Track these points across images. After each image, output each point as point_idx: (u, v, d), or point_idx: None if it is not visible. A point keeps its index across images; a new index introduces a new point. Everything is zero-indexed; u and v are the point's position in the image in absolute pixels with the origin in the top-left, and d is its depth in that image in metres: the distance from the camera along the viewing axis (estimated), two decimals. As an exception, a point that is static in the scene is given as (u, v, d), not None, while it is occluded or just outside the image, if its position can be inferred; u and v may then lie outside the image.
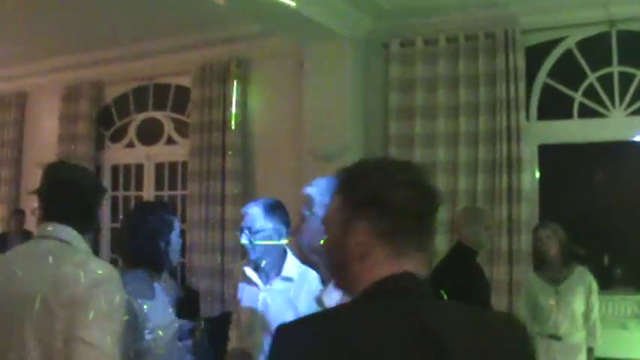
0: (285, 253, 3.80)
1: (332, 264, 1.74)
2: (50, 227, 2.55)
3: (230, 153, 7.51)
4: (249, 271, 3.86)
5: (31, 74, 9.13)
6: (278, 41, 7.25)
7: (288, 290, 3.73)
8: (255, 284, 3.83)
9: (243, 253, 7.28)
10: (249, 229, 3.75)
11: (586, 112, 6.36)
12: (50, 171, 2.71)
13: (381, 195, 1.61)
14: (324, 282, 2.44)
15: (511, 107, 6.23)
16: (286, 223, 3.79)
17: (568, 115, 6.43)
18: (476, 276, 4.90)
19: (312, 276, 3.61)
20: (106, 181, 8.83)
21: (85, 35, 7.80)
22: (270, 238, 3.74)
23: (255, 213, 3.80)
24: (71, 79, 8.86)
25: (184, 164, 8.10)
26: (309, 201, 2.46)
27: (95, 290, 2.33)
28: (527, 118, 6.40)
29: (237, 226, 7.16)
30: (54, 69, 8.85)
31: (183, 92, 8.32)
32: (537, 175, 6.48)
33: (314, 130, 6.85)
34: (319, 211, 2.46)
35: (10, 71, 9.21)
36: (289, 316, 3.55)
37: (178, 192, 8.34)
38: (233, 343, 3.98)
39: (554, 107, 6.50)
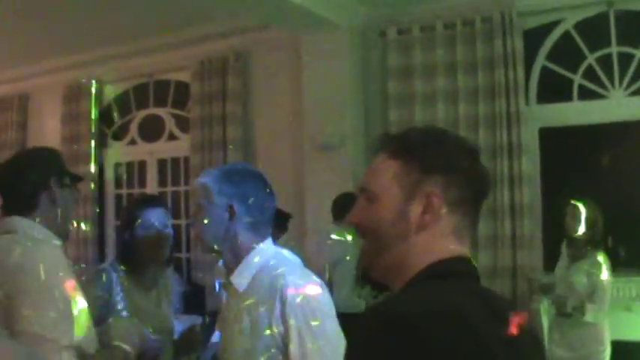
0: None
1: (381, 239, 1.53)
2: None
3: (231, 147, 7.51)
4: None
5: (31, 75, 9.14)
6: (275, 33, 7.24)
7: None
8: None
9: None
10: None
11: (586, 94, 6.33)
12: None
13: (452, 161, 1.52)
14: (228, 269, 2.42)
15: (510, 91, 6.21)
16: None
17: (568, 97, 6.40)
18: None
19: None
20: (109, 179, 8.85)
21: (84, 34, 7.80)
22: None
23: None
24: (71, 78, 8.87)
25: (186, 160, 8.10)
26: (206, 190, 2.43)
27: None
28: (527, 101, 6.38)
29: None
30: (54, 69, 8.86)
31: (183, 88, 8.32)
32: (539, 158, 6.45)
33: (314, 121, 6.84)
34: (218, 199, 2.43)
35: (11, 73, 9.22)
36: None
37: (182, 187, 8.33)
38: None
39: (553, 90, 6.49)
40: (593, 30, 6.28)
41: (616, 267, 5.88)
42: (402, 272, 1.50)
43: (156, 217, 3.32)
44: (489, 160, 6.25)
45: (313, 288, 2.36)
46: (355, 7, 6.78)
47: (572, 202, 5.48)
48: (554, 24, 6.43)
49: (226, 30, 7.50)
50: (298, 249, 6.52)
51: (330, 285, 5.81)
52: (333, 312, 2.38)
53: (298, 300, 2.28)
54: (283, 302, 2.27)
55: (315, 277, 2.45)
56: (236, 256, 2.46)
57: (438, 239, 1.51)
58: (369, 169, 1.60)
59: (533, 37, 6.46)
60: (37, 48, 8.31)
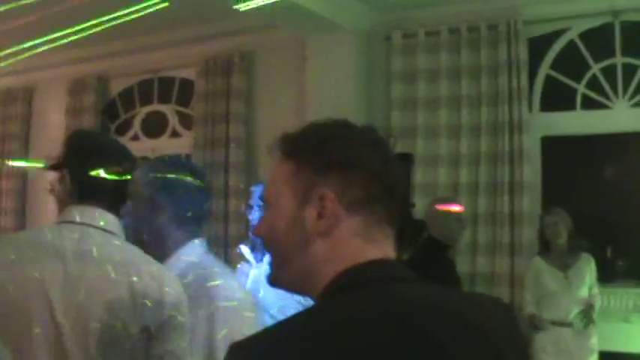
0: None
1: (278, 249, 1.41)
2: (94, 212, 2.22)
3: (233, 146, 7.51)
4: (244, 249, 3.97)
5: (37, 68, 9.14)
6: (281, 34, 7.25)
7: None
8: (249, 262, 3.91)
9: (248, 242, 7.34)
10: (250, 206, 3.83)
11: (589, 104, 6.32)
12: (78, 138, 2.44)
13: (351, 157, 1.36)
14: (159, 259, 2.38)
15: (513, 99, 6.21)
16: None
17: (571, 106, 6.40)
18: (445, 271, 4.82)
19: None
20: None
21: (90, 29, 7.80)
22: None
23: (256, 190, 3.91)
24: (77, 72, 8.88)
25: (188, 157, 8.10)
26: (135, 181, 2.39)
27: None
28: (530, 109, 6.37)
29: (241, 218, 7.24)
30: (60, 63, 8.86)
31: (187, 85, 8.32)
32: (540, 166, 6.44)
33: (317, 122, 6.83)
34: (144, 190, 2.40)
35: (16, 65, 9.22)
36: (275, 294, 3.73)
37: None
38: None
39: (556, 99, 6.48)
40: (598, 40, 6.28)
41: (614, 278, 5.92)
42: (311, 284, 1.35)
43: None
44: (490, 167, 6.25)
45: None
46: (361, 10, 6.78)
47: (551, 211, 5.57)
48: (560, 33, 6.43)
49: (232, 29, 7.51)
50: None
51: None
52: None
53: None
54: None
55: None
56: (164, 250, 2.41)
57: (342, 244, 1.34)
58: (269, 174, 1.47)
59: (538, 45, 6.46)
60: (43, 42, 8.32)
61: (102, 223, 2.18)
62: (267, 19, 6.89)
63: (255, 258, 3.95)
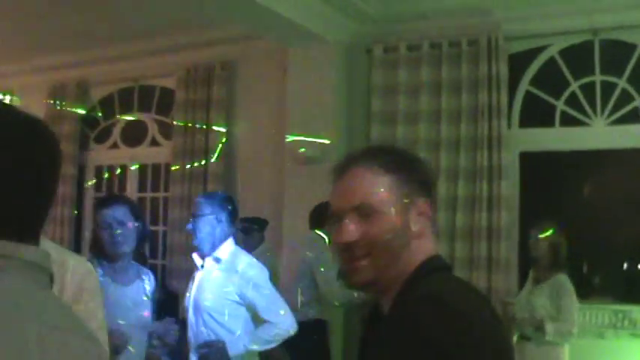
0: (225, 239, 4.19)
1: (387, 251, 1.67)
2: None
3: (212, 156, 7.49)
4: (194, 256, 4.33)
5: (17, 73, 9.09)
6: (263, 44, 7.26)
7: (212, 270, 4.18)
8: (197, 268, 4.21)
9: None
10: (193, 215, 4.20)
11: (568, 121, 6.35)
12: None
13: (426, 171, 1.78)
14: None
15: (493, 114, 6.23)
16: (229, 212, 4.22)
17: (550, 123, 6.42)
18: None
19: (244, 259, 4.18)
20: (89, 181, 8.82)
21: (72, 35, 7.79)
22: (209, 223, 4.13)
23: (200, 201, 4.27)
24: (57, 78, 8.84)
25: (167, 166, 8.08)
26: None
27: None
28: (509, 125, 6.40)
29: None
30: (40, 68, 8.82)
31: (168, 94, 8.29)
32: (518, 182, 6.46)
33: (296, 134, 6.83)
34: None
35: (-4, 70, 9.19)
36: (206, 294, 4.15)
37: (161, 194, 8.31)
38: None
39: (536, 115, 6.51)
40: (578, 57, 6.32)
41: (590, 294, 5.94)
42: (400, 275, 1.66)
43: (111, 216, 3.57)
44: (469, 182, 6.26)
45: None
46: (343, 22, 6.79)
47: (538, 224, 5.57)
48: (540, 49, 6.46)
49: (214, 38, 7.51)
50: (274, 260, 6.55)
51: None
52: None
53: None
54: None
55: None
56: None
57: (425, 241, 1.71)
58: (358, 186, 1.70)
59: (519, 62, 6.49)
60: (24, 46, 8.29)
61: None
62: (249, 29, 6.89)
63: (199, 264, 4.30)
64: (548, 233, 5.48)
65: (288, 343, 4.47)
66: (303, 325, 5.76)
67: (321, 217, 5.75)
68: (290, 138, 6.80)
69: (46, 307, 1.20)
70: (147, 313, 3.64)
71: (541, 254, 5.48)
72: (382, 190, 1.68)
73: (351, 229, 1.67)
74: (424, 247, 1.70)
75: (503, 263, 6.09)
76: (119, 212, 3.59)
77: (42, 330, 1.13)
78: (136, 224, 3.65)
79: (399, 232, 1.66)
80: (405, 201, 1.68)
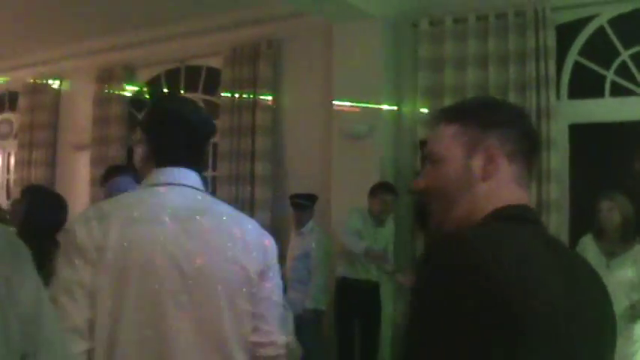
0: None
1: (448, 194, 1.68)
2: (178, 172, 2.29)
3: (259, 133, 7.53)
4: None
5: (65, 57, 9.21)
6: (308, 21, 7.26)
7: None
8: None
9: (273, 232, 7.37)
10: None
11: (618, 91, 6.25)
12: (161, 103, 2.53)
13: (506, 119, 1.71)
14: None
15: (541, 86, 6.16)
16: None
17: (600, 93, 6.33)
18: None
19: None
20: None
21: (118, 18, 7.87)
22: None
23: None
24: (104, 62, 8.94)
25: (214, 145, 8.13)
26: None
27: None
28: (558, 97, 6.33)
29: (267, 206, 7.30)
30: (87, 52, 8.93)
31: (214, 74, 8.34)
32: (568, 154, 6.40)
33: (344, 110, 6.83)
34: None
35: (45, 55, 9.31)
36: None
37: (209, 173, 8.37)
38: None
39: (585, 86, 6.41)
40: (628, 26, 6.20)
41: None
42: (471, 219, 1.62)
43: (114, 187, 3.67)
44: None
45: None
46: (388, -3, 6.77)
47: (608, 195, 5.42)
48: (588, 19, 6.36)
49: (259, 17, 7.53)
50: (322, 235, 6.59)
51: None
52: None
53: None
54: None
55: None
56: None
57: (503, 187, 1.65)
58: (430, 137, 1.76)
59: (567, 32, 6.40)
60: (71, 31, 8.40)
61: (190, 182, 2.28)
62: (294, 6, 6.89)
63: None
64: (619, 203, 5.36)
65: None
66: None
67: None
68: (338, 105, 6.86)
69: None
70: None
71: (615, 226, 5.33)
72: (446, 137, 1.69)
73: (421, 177, 1.75)
74: (499, 193, 1.63)
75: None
76: (123, 183, 3.61)
77: None
78: None
79: (458, 175, 1.66)
80: (470, 145, 1.66)
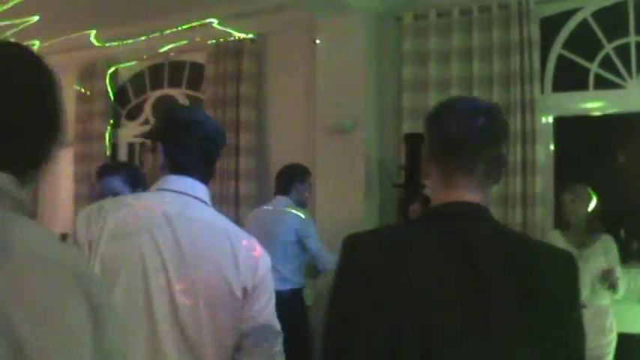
0: None
1: None
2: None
3: (243, 129, 7.50)
4: None
5: (46, 53, 9.11)
6: (291, 15, 7.22)
7: None
8: None
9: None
10: None
11: (602, 84, 6.25)
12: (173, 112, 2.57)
13: (428, 125, 1.99)
14: None
15: (525, 79, 6.15)
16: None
17: (584, 86, 6.33)
18: None
19: None
20: (122, 158, 8.85)
21: (100, 12, 7.80)
22: None
23: None
24: (86, 57, 8.86)
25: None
26: None
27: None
28: (542, 90, 6.32)
29: (252, 202, 7.26)
30: (68, 47, 8.84)
31: (198, 69, 8.30)
32: (552, 147, 6.40)
33: (327, 104, 6.81)
34: None
35: (27, 50, 9.21)
36: None
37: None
38: None
39: (569, 79, 6.41)
40: (612, 19, 6.21)
41: (628, 259, 5.86)
42: None
43: (106, 187, 3.73)
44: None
45: None
46: (372, -10, 6.74)
47: (570, 187, 5.48)
48: (572, 12, 6.36)
49: (242, 11, 7.47)
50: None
51: None
52: None
53: None
54: None
55: None
56: None
57: (436, 187, 1.97)
58: None
59: (550, 25, 6.39)
60: (51, 25, 8.32)
61: (197, 193, 2.35)
62: (277, 0, 6.86)
63: None
64: (582, 195, 5.42)
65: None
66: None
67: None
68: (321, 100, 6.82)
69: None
70: None
71: (580, 218, 5.40)
72: None
73: None
74: (434, 195, 1.98)
75: (539, 230, 6.03)
76: (114, 183, 3.61)
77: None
78: (139, 191, 3.65)
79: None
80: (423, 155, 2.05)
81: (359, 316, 1.80)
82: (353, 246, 1.90)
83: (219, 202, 7.57)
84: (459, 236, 1.81)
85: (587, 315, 5.04)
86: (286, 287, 5.70)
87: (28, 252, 1.13)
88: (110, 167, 4.71)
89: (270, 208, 6.16)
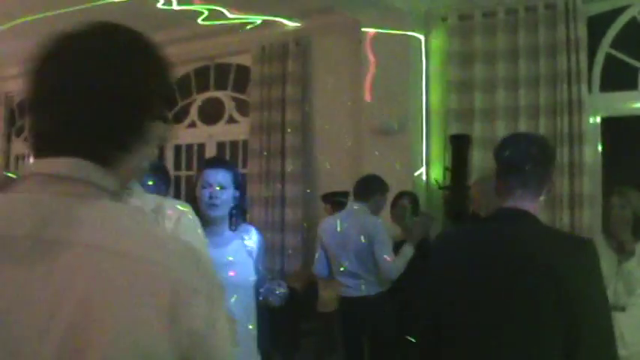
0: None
1: None
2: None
3: (289, 130, 7.54)
4: None
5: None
6: (337, 17, 7.24)
7: None
8: None
9: (304, 230, 7.36)
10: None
11: (651, 84, 6.17)
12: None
13: (495, 154, 2.64)
14: None
15: (572, 79, 6.10)
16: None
17: (632, 86, 6.25)
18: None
19: None
20: (169, 160, 8.95)
21: (146, 17, 7.88)
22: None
23: None
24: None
25: (245, 143, 8.16)
26: None
27: None
28: (590, 90, 6.26)
29: (299, 203, 7.28)
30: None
31: (243, 71, 8.36)
32: (600, 148, 6.33)
33: (373, 106, 6.82)
34: None
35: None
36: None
37: (239, 170, 8.38)
38: None
39: (617, 78, 6.33)
40: (661, 17, 6.13)
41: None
42: None
43: (214, 177, 3.59)
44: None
45: None
46: (417, -8, 6.74)
47: (620, 191, 5.37)
48: (620, 10, 6.29)
49: (288, 14, 7.52)
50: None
51: None
52: None
53: None
54: None
55: None
56: None
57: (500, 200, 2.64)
58: None
59: (598, 24, 6.33)
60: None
61: None
62: (323, 2, 6.88)
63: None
64: (630, 199, 5.31)
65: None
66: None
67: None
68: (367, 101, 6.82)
69: None
70: (232, 272, 3.55)
71: (626, 222, 5.31)
72: None
73: None
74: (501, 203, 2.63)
75: (587, 231, 5.97)
76: (223, 176, 3.59)
77: None
78: (237, 194, 3.66)
79: None
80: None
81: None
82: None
83: (265, 204, 7.63)
84: (502, 233, 2.51)
85: (624, 320, 5.01)
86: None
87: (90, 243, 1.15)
88: (220, 160, 4.84)
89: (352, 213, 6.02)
